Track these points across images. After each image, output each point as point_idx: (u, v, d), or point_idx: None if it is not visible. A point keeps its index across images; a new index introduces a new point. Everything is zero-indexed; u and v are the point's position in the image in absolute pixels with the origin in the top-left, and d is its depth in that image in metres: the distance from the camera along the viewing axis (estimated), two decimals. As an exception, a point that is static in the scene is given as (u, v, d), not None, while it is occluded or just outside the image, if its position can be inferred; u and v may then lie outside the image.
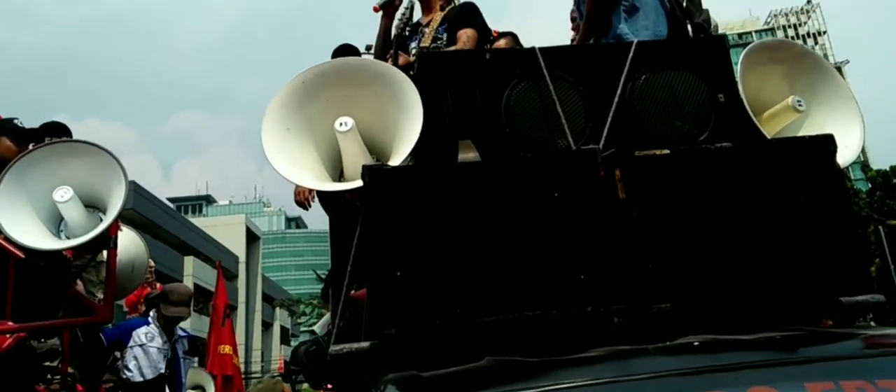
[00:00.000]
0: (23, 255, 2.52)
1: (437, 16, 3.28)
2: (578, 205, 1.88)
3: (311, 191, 3.30)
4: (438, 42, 3.26)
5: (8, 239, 2.43)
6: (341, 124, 2.24)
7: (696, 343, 1.58)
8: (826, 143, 1.93)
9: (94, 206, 2.60)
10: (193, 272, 34.03)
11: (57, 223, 2.55)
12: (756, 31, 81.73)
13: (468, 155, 2.30)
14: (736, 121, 2.26)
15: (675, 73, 2.27)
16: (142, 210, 29.69)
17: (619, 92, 2.22)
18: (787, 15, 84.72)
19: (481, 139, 2.28)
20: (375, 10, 3.16)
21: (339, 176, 2.45)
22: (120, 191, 2.44)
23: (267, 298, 46.43)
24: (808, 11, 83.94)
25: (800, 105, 2.30)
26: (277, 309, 47.35)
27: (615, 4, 2.97)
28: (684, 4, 3.53)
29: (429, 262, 1.80)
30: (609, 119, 2.19)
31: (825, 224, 1.89)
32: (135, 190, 29.45)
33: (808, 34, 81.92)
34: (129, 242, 4.10)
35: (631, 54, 2.28)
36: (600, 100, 2.25)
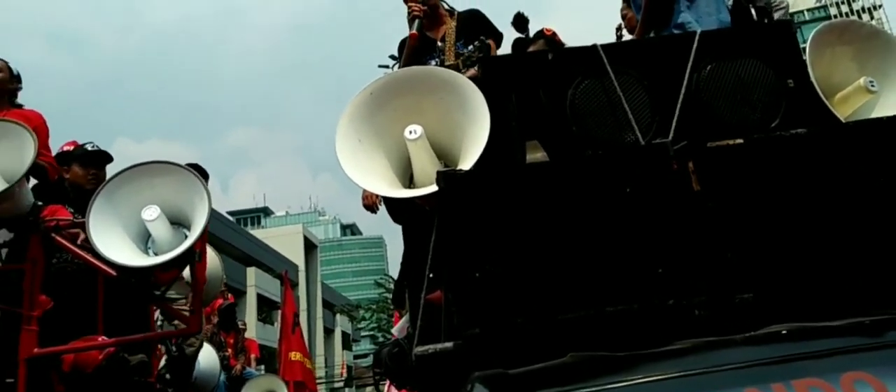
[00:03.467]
0: (115, 274, 2.66)
1: (449, 28, 3.31)
2: (652, 199, 1.89)
3: (377, 195, 3.37)
4: (462, 56, 3.29)
5: (100, 257, 2.57)
6: (411, 132, 2.30)
7: (784, 331, 1.57)
8: (905, 123, 1.89)
9: (179, 223, 2.73)
10: (256, 282, 34.86)
11: (145, 241, 2.69)
12: (808, 9, 78.94)
13: (536, 155, 2.33)
14: (807, 106, 2.23)
15: (742, 60, 2.25)
16: (204, 224, 30.52)
17: (685, 83, 2.21)
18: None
19: (548, 139, 2.31)
20: (414, 36, 3.22)
21: (409, 182, 2.52)
22: (203, 208, 2.55)
23: (327, 305, 47.16)
24: None
25: (872, 86, 2.25)
26: (338, 315, 48.08)
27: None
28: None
29: (507, 263, 1.84)
30: (676, 111, 2.18)
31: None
32: (196, 205, 30.29)
33: (863, 9, 78.60)
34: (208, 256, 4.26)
35: (695, 45, 2.27)
36: (666, 93, 2.24)
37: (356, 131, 2.39)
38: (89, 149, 3.45)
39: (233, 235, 35.28)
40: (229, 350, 6.91)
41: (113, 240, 2.55)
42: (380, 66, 3.37)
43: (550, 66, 2.36)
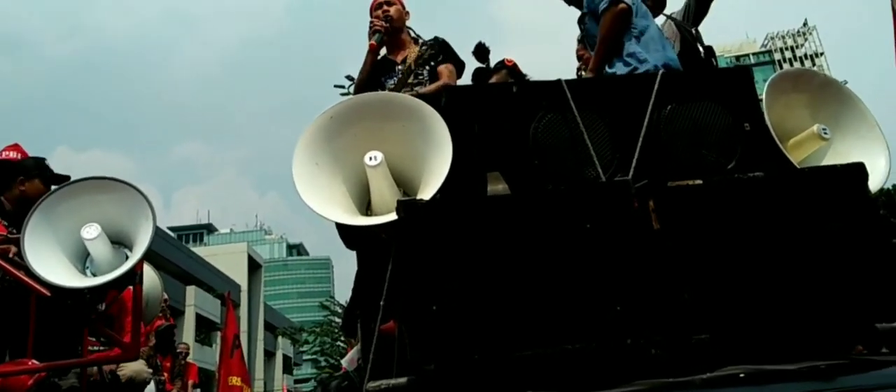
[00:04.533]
0: (49, 293, 2.52)
1: (411, 52, 3.31)
2: (612, 236, 1.89)
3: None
4: (420, 78, 3.28)
5: (34, 276, 2.43)
6: (371, 158, 2.26)
7: (741, 375, 1.57)
8: (858, 171, 1.95)
9: (119, 243, 2.60)
10: (195, 302, 33.88)
11: (83, 260, 2.55)
12: (753, 53, 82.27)
13: (497, 187, 2.31)
14: (762, 149, 2.27)
15: (701, 102, 2.29)
16: (144, 240, 29.62)
17: (646, 123, 2.23)
18: (783, 37, 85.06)
19: (510, 172, 2.29)
20: (372, 47, 3.21)
21: (366, 209, 2.46)
22: (148, 228, 2.44)
23: (269, 327, 46.18)
24: (804, 34, 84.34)
25: (825, 133, 2.32)
26: (280, 337, 47.09)
27: (627, 28, 3.01)
28: (694, 31, 3.58)
29: (464, 296, 1.80)
30: (637, 150, 2.20)
31: (859, 251, 1.89)
32: (137, 220, 29.40)
33: (805, 56, 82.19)
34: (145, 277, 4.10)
35: (656, 86, 2.30)
36: (627, 131, 2.26)
37: (314, 155, 2.33)
38: (53, 169, 3.29)
39: (173, 252, 34.25)
40: (165, 374, 6.65)
41: (49, 258, 2.41)
42: (335, 86, 3.33)
43: (514, 99, 2.36)
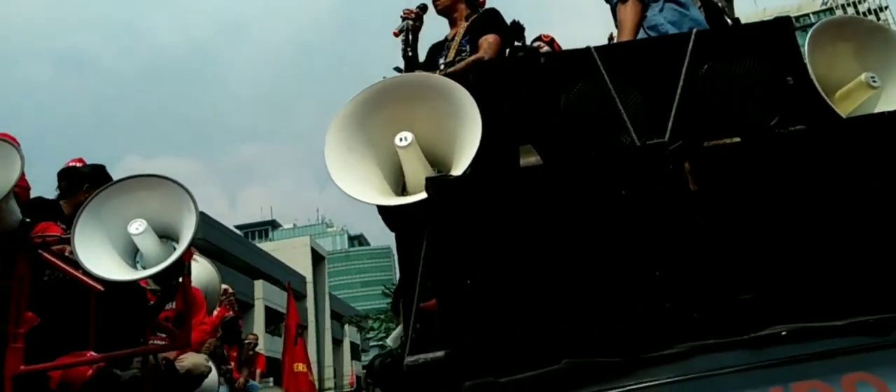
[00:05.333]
0: (102, 288, 2.62)
1: (462, 28, 3.28)
2: (648, 201, 1.84)
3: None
4: (463, 54, 3.25)
5: (87, 273, 2.53)
6: (401, 139, 2.27)
7: (783, 332, 1.52)
8: (907, 119, 1.84)
9: (167, 237, 2.69)
10: (264, 295, 34.86)
11: (133, 255, 2.65)
12: (813, 13, 78.66)
13: (530, 159, 2.28)
14: (807, 103, 2.17)
15: (740, 59, 2.20)
16: (212, 239, 30.60)
17: (681, 83, 2.16)
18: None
19: (542, 144, 2.26)
20: (395, 34, 3.20)
21: (401, 190, 2.47)
22: (191, 220, 2.51)
23: (335, 316, 47.14)
24: None
25: (874, 81, 2.20)
26: (346, 326, 48.03)
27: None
28: (719, 3, 3.43)
29: (498, 269, 1.79)
30: (672, 111, 2.13)
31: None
32: (203, 220, 30.35)
33: (869, 11, 78.18)
34: (199, 270, 4.24)
35: (690, 45, 2.22)
36: (662, 94, 2.19)
37: (346, 139, 2.35)
38: (112, 177, 3.42)
39: (240, 249, 35.32)
40: (232, 363, 6.87)
41: (99, 254, 2.51)
42: (396, 69, 3.34)
43: (543, 70, 2.32)
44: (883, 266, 1.74)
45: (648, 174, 1.87)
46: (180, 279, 2.85)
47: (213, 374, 3.93)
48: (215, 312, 5.62)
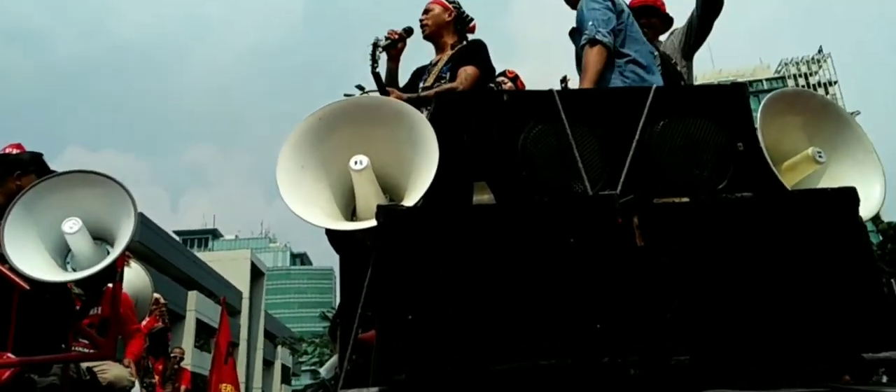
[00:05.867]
0: (28, 287, 2.49)
1: (446, 56, 3.28)
2: (595, 251, 1.84)
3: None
4: (441, 81, 3.25)
5: (13, 270, 2.40)
6: (356, 162, 2.23)
7: (718, 399, 1.52)
8: (849, 196, 1.89)
9: (102, 239, 2.57)
10: (197, 307, 33.87)
11: (64, 255, 2.52)
12: (767, 79, 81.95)
13: (483, 197, 2.27)
14: (755, 170, 2.23)
15: (694, 119, 2.25)
16: (148, 242, 29.65)
17: (637, 137, 2.19)
18: (797, 64, 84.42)
19: (497, 181, 2.26)
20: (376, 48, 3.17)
21: (351, 214, 2.43)
22: (129, 223, 2.41)
23: (269, 336, 46.08)
24: (818, 61, 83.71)
25: (820, 156, 2.27)
26: (279, 347, 47.00)
27: (610, 63, 2.98)
28: (676, 66, 3.53)
29: (441, 306, 1.76)
30: (627, 164, 2.16)
31: (847, 278, 1.84)
32: (142, 222, 29.51)
33: (819, 83, 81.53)
34: (133, 276, 4.08)
35: (650, 100, 2.26)
36: (618, 145, 2.22)
37: (300, 157, 2.30)
38: (54, 169, 3.25)
39: (177, 256, 34.30)
40: (156, 377, 6.61)
41: (29, 251, 2.38)
42: (346, 95, 3.29)
43: (505, 108, 2.32)
44: (817, 337, 1.78)
45: (597, 225, 1.88)
46: (111, 285, 2.72)
47: (137, 389, 3.76)
48: (144, 322, 5.41)
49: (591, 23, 2.95)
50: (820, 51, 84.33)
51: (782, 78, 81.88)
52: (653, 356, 1.72)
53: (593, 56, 2.91)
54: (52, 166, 3.28)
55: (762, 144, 2.21)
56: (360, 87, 3.13)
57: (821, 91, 77.66)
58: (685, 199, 1.93)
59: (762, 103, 2.28)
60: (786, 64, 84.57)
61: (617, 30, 2.98)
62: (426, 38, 3.38)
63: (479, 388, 1.72)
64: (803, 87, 78.48)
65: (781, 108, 2.34)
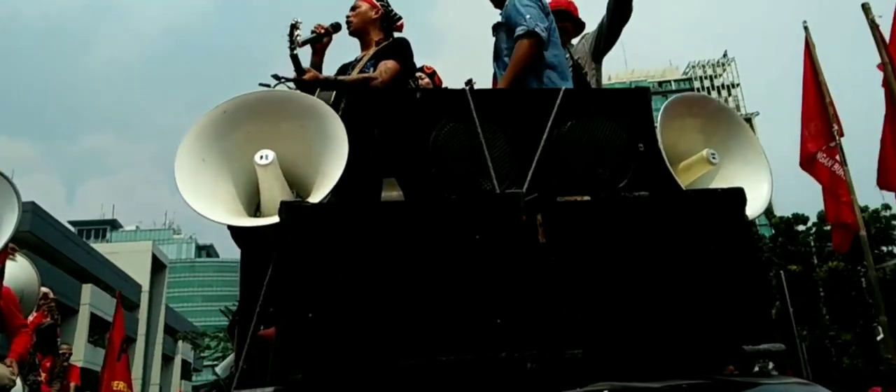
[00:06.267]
0: None
1: (370, 52, 3.26)
2: (499, 248, 1.87)
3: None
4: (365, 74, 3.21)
5: None
6: (262, 157, 2.16)
7: (605, 391, 1.58)
8: (736, 196, 2.00)
9: (-20, 232, 2.39)
10: (90, 301, 32.12)
11: (-64, 247, 2.33)
12: (675, 80, 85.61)
13: (392, 193, 2.26)
14: (655, 169, 2.31)
15: (600, 121, 2.31)
16: (39, 232, 27.87)
17: (544, 137, 2.23)
18: (703, 67, 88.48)
19: (406, 178, 2.25)
20: (300, 44, 3.10)
21: (256, 210, 2.36)
22: (12, 217, 2.25)
23: (169, 330, 44.36)
24: (723, 64, 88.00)
25: (714, 158, 2.38)
26: (180, 342, 45.35)
27: (540, 58, 3.02)
28: (586, 74, 3.63)
29: (343, 304, 1.74)
30: (533, 163, 2.20)
31: (732, 274, 1.94)
32: (33, 211, 27.70)
33: (723, 86, 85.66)
34: (18, 270, 3.83)
35: (558, 101, 2.31)
36: (527, 143, 2.26)
37: (202, 150, 2.21)
38: None
39: (71, 248, 32.39)
40: (43, 374, 6.21)
41: None
42: (260, 84, 3.18)
43: (418, 105, 2.31)
44: (702, 331, 1.87)
45: (503, 222, 1.90)
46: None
47: (18, 386, 3.53)
48: (31, 317, 5.08)
49: (528, 17, 2.98)
50: (725, 55, 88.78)
51: (689, 79, 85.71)
52: (548, 350, 1.76)
53: (526, 48, 2.94)
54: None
55: (661, 145, 2.29)
56: (276, 77, 3.04)
57: (724, 93, 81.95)
58: (586, 198, 1.98)
59: (662, 107, 2.37)
60: (693, 66, 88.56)
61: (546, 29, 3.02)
62: (352, 33, 3.34)
63: (379, 385, 1.71)
64: (708, 88, 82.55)
65: (681, 110, 2.44)
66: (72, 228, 41.14)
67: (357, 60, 3.29)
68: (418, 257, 1.83)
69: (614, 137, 2.31)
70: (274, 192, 2.23)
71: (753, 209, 2.21)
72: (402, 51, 3.19)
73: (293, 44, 3.02)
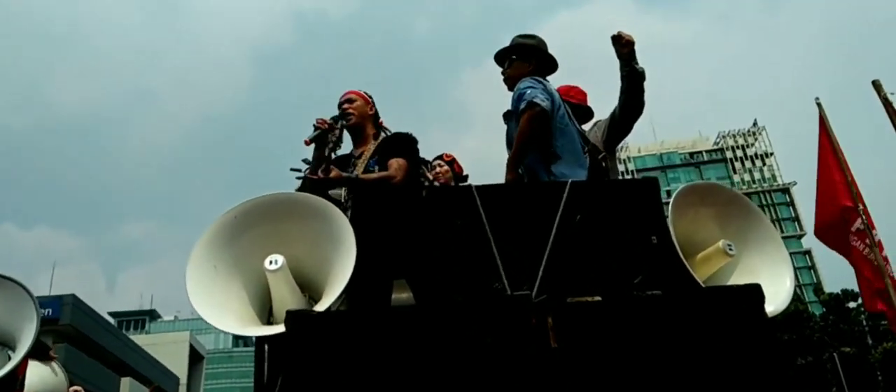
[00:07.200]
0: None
1: (370, 147, 3.29)
2: (510, 353, 1.83)
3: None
4: (370, 172, 3.24)
5: None
6: (271, 263, 2.18)
7: None
8: (754, 293, 1.94)
9: (2, 343, 2.43)
10: (128, 396, 32.22)
11: (-38, 361, 2.38)
12: (707, 151, 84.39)
13: (401, 295, 2.25)
14: (670, 262, 2.27)
15: (609, 214, 2.29)
16: (79, 325, 28.29)
17: (553, 234, 2.21)
18: (734, 136, 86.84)
19: (416, 278, 2.24)
20: (307, 143, 3.17)
21: (269, 314, 2.36)
22: (31, 328, 2.29)
23: (207, 422, 44.12)
24: (754, 133, 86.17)
25: (730, 249, 2.33)
26: (218, 434, 44.92)
27: (548, 133, 3.03)
28: (601, 161, 3.62)
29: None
30: (543, 262, 2.17)
31: (753, 375, 1.86)
32: (73, 303, 28.22)
33: (756, 155, 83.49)
34: (45, 374, 3.86)
35: (565, 195, 2.30)
36: (536, 240, 2.24)
37: (213, 257, 2.24)
38: None
39: (110, 340, 32.74)
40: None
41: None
42: (292, 169, 3.26)
43: (425, 204, 2.33)
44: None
45: (513, 325, 1.87)
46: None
47: None
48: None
49: (528, 93, 2.99)
50: (755, 123, 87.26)
51: (721, 149, 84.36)
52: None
53: (527, 120, 2.94)
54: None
55: (674, 238, 2.25)
56: (307, 162, 3.11)
57: (758, 163, 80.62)
58: (597, 298, 1.94)
59: (673, 196, 2.34)
60: (723, 136, 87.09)
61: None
62: (350, 128, 3.38)
63: None
64: (741, 158, 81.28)
65: (692, 200, 2.41)
66: (111, 320, 41.69)
67: (355, 156, 3.32)
68: (428, 364, 1.80)
69: (626, 230, 2.28)
70: (284, 297, 2.24)
71: (775, 305, 2.14)
72: (408, 147, 3.23)
73: (323, 150, 3.12)
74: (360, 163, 3.28)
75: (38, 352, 3.88)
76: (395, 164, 3.16)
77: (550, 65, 3.33)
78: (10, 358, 2.41)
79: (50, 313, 24.96)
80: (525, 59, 3.29)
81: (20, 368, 2.41)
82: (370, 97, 3.44)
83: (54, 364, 4.25)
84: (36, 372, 3.65)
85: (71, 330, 27.24)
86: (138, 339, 42.47)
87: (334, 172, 2.99)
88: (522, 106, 2.98)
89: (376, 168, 3.21)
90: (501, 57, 3.37)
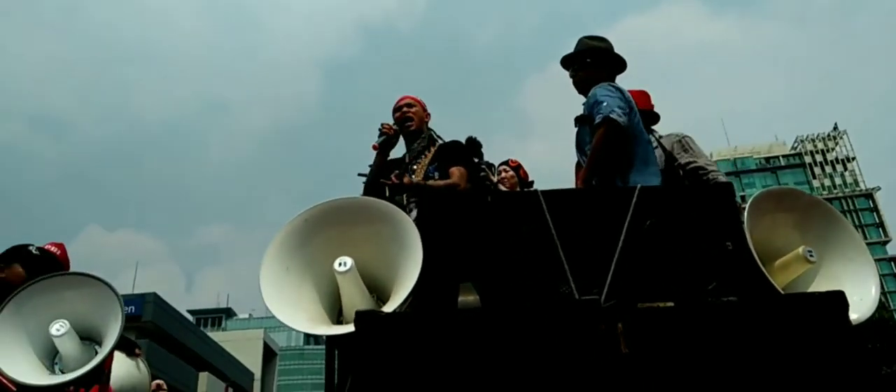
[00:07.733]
0: (15, 389, 2.46)
1: (428, 154, 3.32)
2: (579, 358, 1.80)
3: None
4: (430, 180, 3.28)
5: (1, 373, 2.39)
6: (340, 264, 2.22)
7: None
8: (837, 300, 1.85)
9: (90, 338, 2.56)
10: (207, 390, 33.42)
11: (52, 357, 2.51)
12: (783, 156, 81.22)
13: (468, 298, 2.25)
14: (746, 268, 2.19)
15: (682, 220, 2.23)
16: (160, 322, 29.58)
17: (622, 239, 2.18)
18: (813, 141, 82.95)
19: (482, 282, 2.24)
20: (374, 148, 3.23)
21: (338, 315, 2.41)
22: (116, 324, 2.40)
23: (281, 418, 45.28)
24: (834, 138, 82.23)
25: (811, 256, 2.23)
26: (291, 429, 46.04)
27: (623, 145, 2.97)
28: (678, 168, 3.52)
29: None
30: (612, 267, 2.14)
31: (836, 381, 1.78)
32: (155, 302, 29.53)
33: (837, 160, 79.56)
34: (130, 369, 4.04)
35: (634, 200, 2.26)
36: (604, 246, 2.21)
37: (285, 259, 2.30)
38: (34, 252, 3.18)
39: (189, 337, 34.10)
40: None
41: (16, 353, 2.38)
42: (359, 174, 3.35)
43: (491, 209, 2.33)
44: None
45: (581, 331, 1.85)
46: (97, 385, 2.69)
47: None
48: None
49: (605, 104, 2.95)
50: (835, 127, 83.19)
51: (798, 154, 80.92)
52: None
53: (602, 135, 2.90)
54: (70, 248, 3.29)
55: (750, 244, 2.18)
56: (363, 176, 3.19)
57: (839, 167, 76.98)
58: (670, 304, 1.90)
59: (748, 203, 2.27)
60: (802, 141, 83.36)
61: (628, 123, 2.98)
62: (408, 134, 3.42)
63: None
64: (821, 163, 77.76)
65: (769, 206, 2.32)
66: (190, 317, 43.36)
67: (411, 161, 3.36)
68: (495, 367, 1.79)
69: (699, 237, 2.22)
70: (354, 298, 2.28)
71: (859, 313, 2.04)
72: (464, 155, 3.26)
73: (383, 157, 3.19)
74: (419, 169, 3.32)
75: (125, 347, 4.07)
76: (457, 172, 3.20)
77: (620, 65, 3.28)
78: (96, 353, 2.54)
79: (133, 310, 26.25)
80: (597, 62, 3.24)
81: (106, 362, 2.53)
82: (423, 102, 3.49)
83: (139, 360, 4.45)
84: (122, 366, 3.83)
85: (152, 326, 28.48)
86: (215, 335, 44.07)
87: (406, 178, 3.05)
88: (598, 119, 2.93)
89: (436, 174, 3.25)
90: (570, 60, 3.33)
